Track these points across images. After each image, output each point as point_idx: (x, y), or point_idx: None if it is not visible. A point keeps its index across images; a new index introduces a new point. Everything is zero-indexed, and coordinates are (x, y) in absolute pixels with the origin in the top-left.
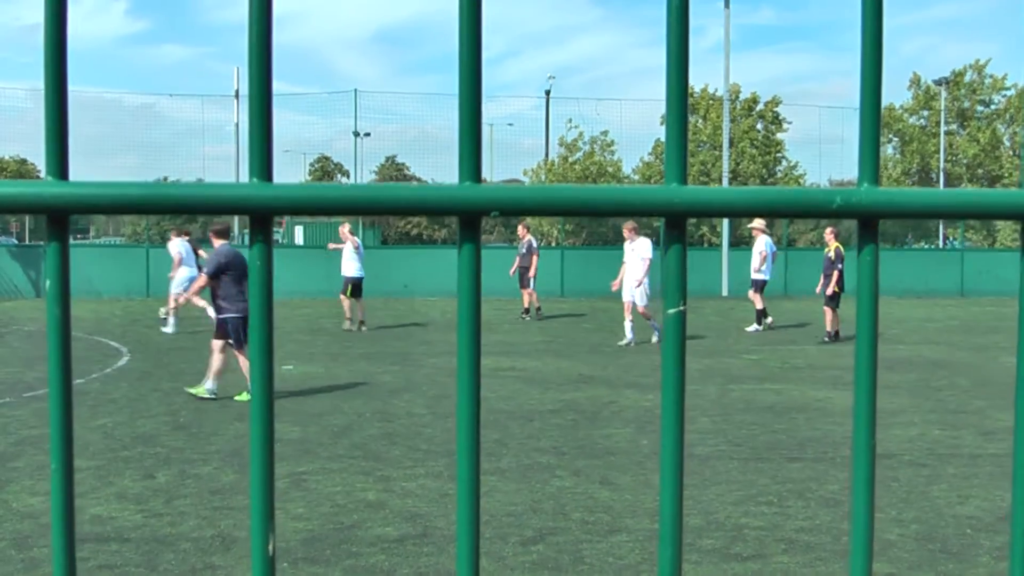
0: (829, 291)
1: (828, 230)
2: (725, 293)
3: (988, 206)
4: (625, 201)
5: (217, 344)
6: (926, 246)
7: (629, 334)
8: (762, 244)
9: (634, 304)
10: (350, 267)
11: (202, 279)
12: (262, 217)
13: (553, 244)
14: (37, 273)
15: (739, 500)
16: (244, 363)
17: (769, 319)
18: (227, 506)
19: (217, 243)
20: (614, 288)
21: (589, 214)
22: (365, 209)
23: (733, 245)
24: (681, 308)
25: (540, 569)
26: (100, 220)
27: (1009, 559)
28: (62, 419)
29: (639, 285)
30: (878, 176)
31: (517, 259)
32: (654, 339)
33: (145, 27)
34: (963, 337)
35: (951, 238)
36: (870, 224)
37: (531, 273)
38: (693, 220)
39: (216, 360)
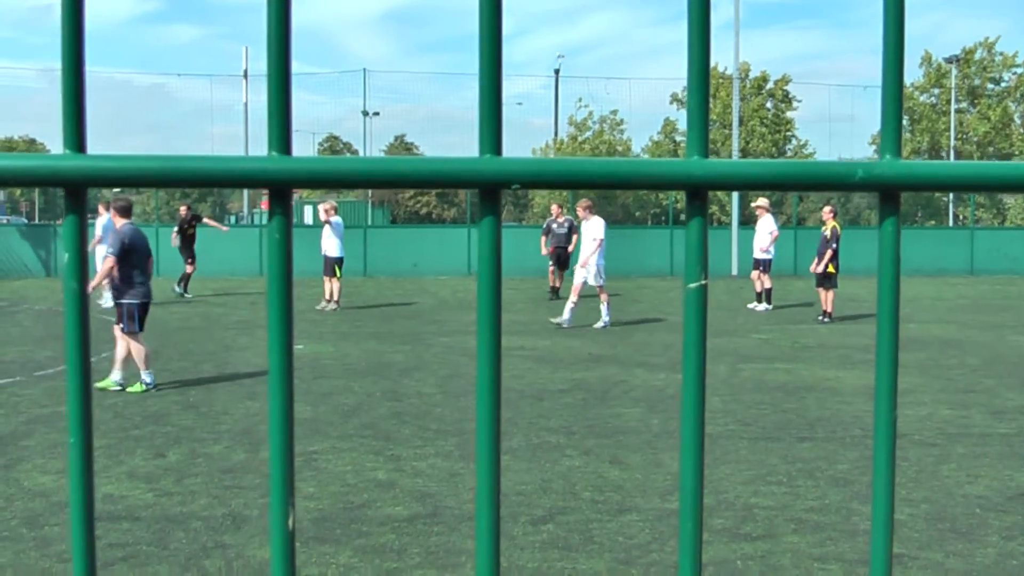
0: (820, 270)
1: (826, 208)
2: (735, 272)
3: (1013, 178)
4: (647, 173)
5: (120, 330)
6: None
7: (567, 315)
8: (771, 223)
9: (584, 284)
10: (332, 246)
11: (109, 262)
12: (281, 190)
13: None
14: (47, 252)
15: (749, 480)
16: (123, 350)
17: (762, 305)
18: (237, 485)
19: (120, 222)
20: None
21: (611, 186)
22: (385, 182)
23: (743, 224)
24: (702, 282)
25: (550, 548)
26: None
27: None
28: (80, 392)
29: (583, 265)
30: (900, 149)
31: (543, 238)
32: (599, 324)
33: (155, 7)
34: (973, 316)
35: (961, 216)
36: (892, 197)
37: (571, 250)
38: None
39: (121, 348)
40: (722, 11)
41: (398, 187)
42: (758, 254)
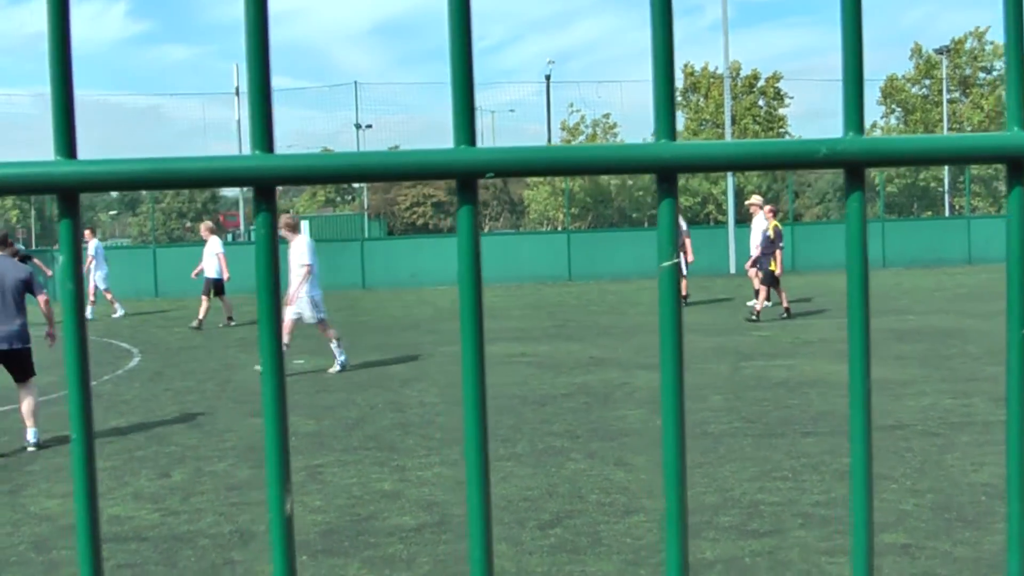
0: (779, 271)
1: (767, 208)
2: (732, 271)
3: (973, 149)
4: (617, 158)
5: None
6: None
7: (339, 355)
8: (763, 220)
9: (297, 321)
10: (212, 267)
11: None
12: (266, 188)
13: (559, 228)
14: (45, 278)
15: (754, 476)
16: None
17: (762, 304)
18: (244, 501)
19: None
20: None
21: (582, 172)
22: (366, 175)
23: (739, 222)
24: (675, 260)
25: (558, 552)
26: (106, 223)
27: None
28: (81, 396)
29: (292, 301)
30: (862, 125)
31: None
32: (333, 368)
33: (146, 28)
34: (972, 305)
35: (957, 206)
36: (856, 172)
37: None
38: (698, 199)
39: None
40: (711, 11)
41: (377, 180)
42: (754, 251)
